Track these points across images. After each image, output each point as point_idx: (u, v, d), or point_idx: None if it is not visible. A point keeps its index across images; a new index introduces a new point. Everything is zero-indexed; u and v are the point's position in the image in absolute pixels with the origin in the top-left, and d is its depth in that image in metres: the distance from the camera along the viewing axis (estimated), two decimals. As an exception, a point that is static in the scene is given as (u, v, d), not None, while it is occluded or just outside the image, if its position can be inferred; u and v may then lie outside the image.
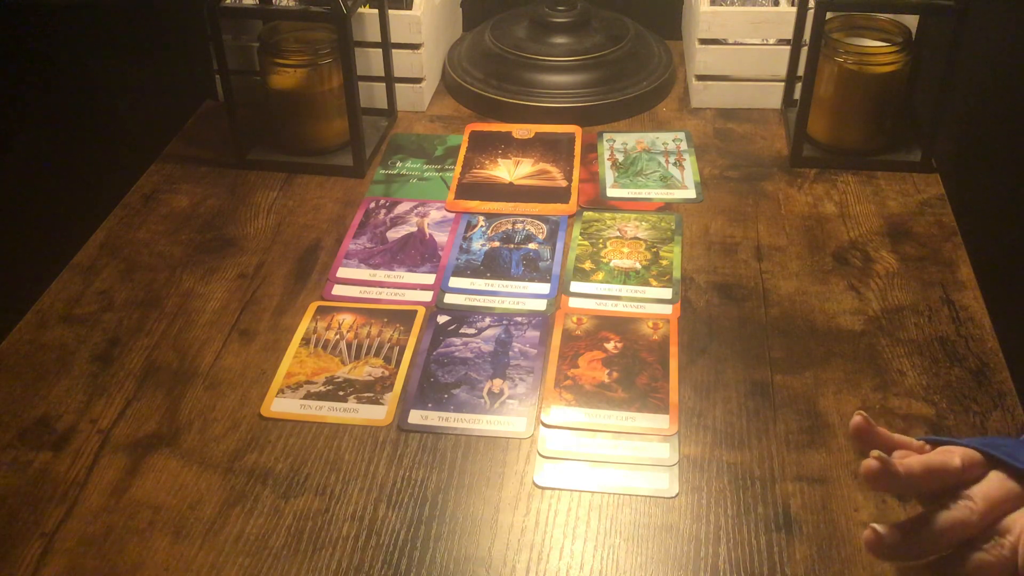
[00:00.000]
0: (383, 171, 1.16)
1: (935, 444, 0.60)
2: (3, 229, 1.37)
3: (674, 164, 1.15)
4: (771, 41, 1.23)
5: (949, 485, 0.57)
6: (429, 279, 0.99)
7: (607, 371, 0.87)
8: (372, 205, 1.10)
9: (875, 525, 0.54)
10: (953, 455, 0.58)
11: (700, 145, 1.19)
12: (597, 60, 1.26)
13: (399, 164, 1.17)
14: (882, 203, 1.08)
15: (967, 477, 0.57)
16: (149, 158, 1.19)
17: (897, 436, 0.59)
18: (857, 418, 0.57)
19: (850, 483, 0.77)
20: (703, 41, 1.23)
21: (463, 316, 0.94)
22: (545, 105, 1.24)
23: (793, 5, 1.19)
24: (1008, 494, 0.56)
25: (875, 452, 0.55)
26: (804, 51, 1.13)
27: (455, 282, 0.99)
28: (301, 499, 0.77)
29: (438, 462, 0.80)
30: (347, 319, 0.94)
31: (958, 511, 0.55)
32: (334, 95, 1.13)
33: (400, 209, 1.09)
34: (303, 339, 0.92)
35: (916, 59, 1.14)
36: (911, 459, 0.57)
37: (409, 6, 1.22)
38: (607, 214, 1.07)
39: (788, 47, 1.20)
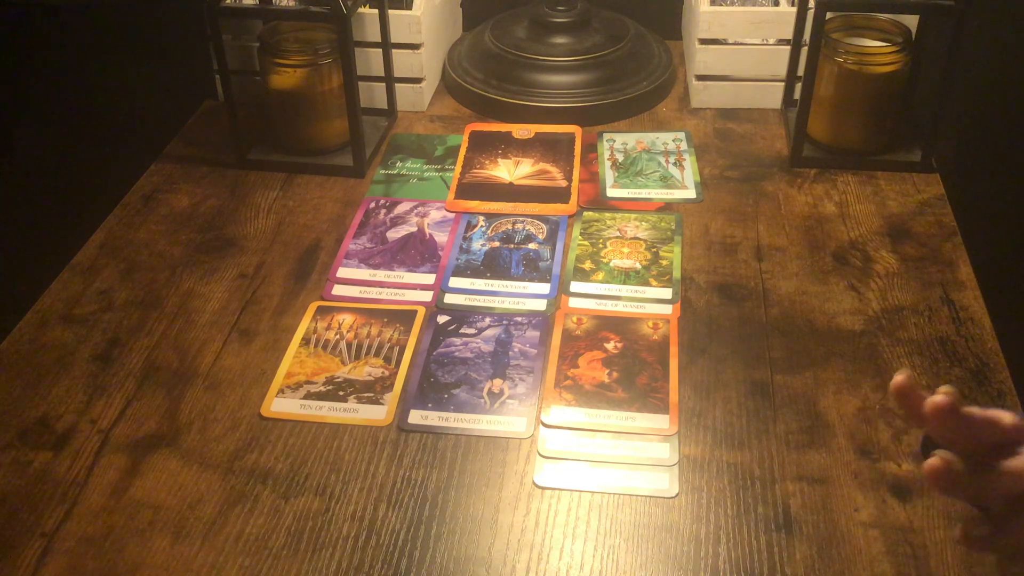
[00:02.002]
0: (383, 171, 1.16)
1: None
2: (3, 229, 1.37)
3: (674, 164, 1.15)
4: (771, 41, 1.23)
5: (1003, 441, 0.56)
6: (429, 279, 0.99)
7: (607, 371, 0.87)
8: (372, 205, 1.10)
9: (942, 453, 0.54)
10: (1003, 414, 0.57)
11: (700, 145, 1.19)
12: (597, 60, 1.26)
13: (399, 164, 1.17)
14: (882, 203, 1.08)
15: (1019, 437, 0.57)
16: (149, 158, 1.19)
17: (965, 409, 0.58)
18: (945, 398, 0.55)
19: (850, 483, 0.77)
20: (703, 41, 1.22)
21: (463, 316, 0.94)
22: (545, 105, 1.24)
23: (793, 5, 1.19)
24: None
25: (942, 452, 0.54)
26: (804, 51, 1.13)
27: (455, 282, 0.99)
28: (301, 499, 0.77)
29: (438, 462, 0.80)
30: (347, 319, 0.94)
31: (1018, 460, 0.55)
32: (334, 95, 1.13)
33: (400, 209, 1.09)
34: (303, 339, 0.92)
35: (916, 59, 1.14)
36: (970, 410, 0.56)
37: (409, 6, 1.22)
38: (607, 214, 1.07)
39: (788, 47, 1.20)
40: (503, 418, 0.83)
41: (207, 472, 0.79)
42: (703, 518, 0.75)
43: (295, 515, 0.76)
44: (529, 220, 1.07)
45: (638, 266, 0.99)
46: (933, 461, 0.54)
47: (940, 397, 0.54)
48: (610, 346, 0.90)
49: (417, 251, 1.03)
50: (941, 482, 0.54)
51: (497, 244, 1.03)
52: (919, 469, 0.55)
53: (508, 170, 1.15)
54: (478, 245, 1.03)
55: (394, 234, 1.05)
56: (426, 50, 1.25)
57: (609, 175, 1.14)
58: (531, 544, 0.73)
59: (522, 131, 1.22)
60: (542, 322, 0.93)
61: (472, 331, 0.92)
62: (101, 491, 0.78)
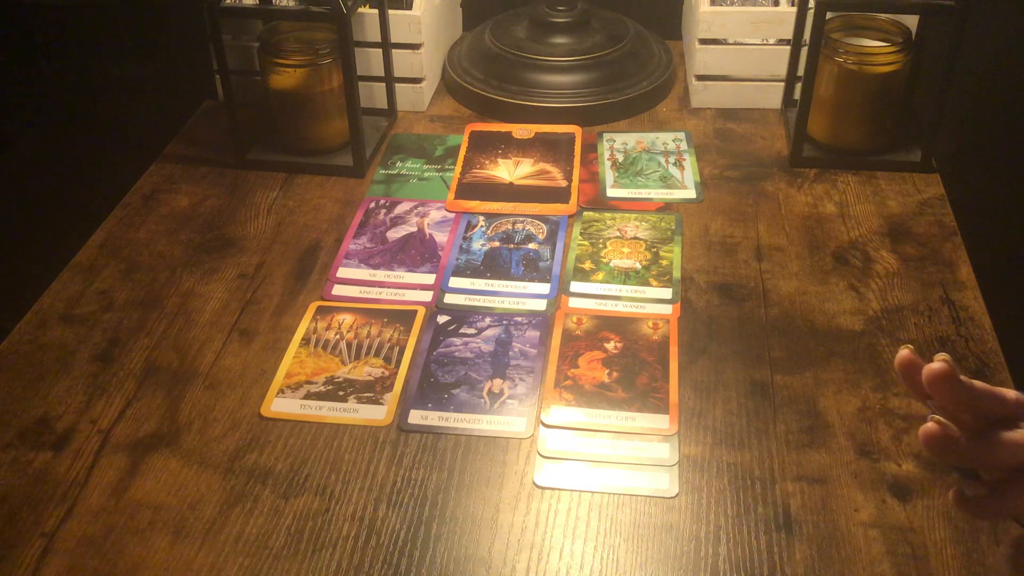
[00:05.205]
0: (383, 171, 1.16)
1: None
2: (3, 229, 1.37)
3: (674, 164, 1.15)
4: (771, 41, 1.23)
5: (1006, 415, 0.56)
6: (429, 279, 0.99)
7: (607, 371, 0.87)
8: (372, 205, 1.10)
9: (938, 417, 0.54)
10: (1007, 391, 0.57)
11: (700, 145, 1.19)
12: (597, 60, 1.26)
13: (399, 164, 1.17)
14: (882, 203, 1.08)
15: (1021, 413, 0.57)
16: (149, 158, 1.19)
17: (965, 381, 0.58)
18: (941, 364, 0.55)
19: (850, 483, 0.77)
20: (703, 41, 1.23)
21: (463, 316, 0.94)
22: (545, 105, 1.24)
23: (793, 5, 1.19)
24: None
25: (936, 418, 0.54)
26: (804, 51, 1.13)
27: (455, 282, 0.99)
28: (301, 499, 0.77)
29: (438, 462, 0.80)
30: (347, 319, 0.94)
31: (1015, 433, 0.55)
32: (334, 95, 1.13)
33: (400, 209, 1.09)
34: (303, 339, 0.92)
35: (916, 59, 1.14)
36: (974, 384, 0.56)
37: (409, 6, 1.22)
38: (607, 214, 1.07)
39: (788, 47, 1.20)
40: (503, 418, 0.83)
41: (207, 472, 0.79)
42: (703, 518, 0.75)
43: (295, 515, 0.76)
44: (529, 220, 1.07)
45: (638, 266, 0.99)
46: (929, 425, 0.54)
47: (938, 364, 0.54)
48: (610, 346, 0.90)
49: (417, 251, 1.03)
50: (935, 445, 0.54)
51: (497, 244, 1.03)
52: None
53: (508, 170, 1.15)
54: (478, 245, 1.03)
55: (394, 234, 1.05)
56: (426, 50, 1.25)
57: (609, 175, 1.14)
58: (531, 544, 0.73)
59: (522, 131, 1.22)
60: (542, 322, 0.93)
61: (472, 331, 0.92)
62: (101, 491, 0.78)
